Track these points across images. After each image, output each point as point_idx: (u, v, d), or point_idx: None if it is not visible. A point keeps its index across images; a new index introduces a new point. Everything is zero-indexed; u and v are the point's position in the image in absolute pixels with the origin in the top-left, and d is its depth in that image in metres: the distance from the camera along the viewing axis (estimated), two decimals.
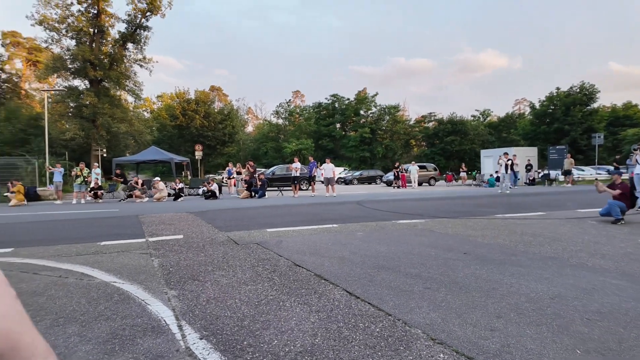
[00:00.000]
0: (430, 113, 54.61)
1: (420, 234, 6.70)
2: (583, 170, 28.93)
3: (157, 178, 17.94)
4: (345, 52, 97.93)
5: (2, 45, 45.98)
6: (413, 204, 12.38)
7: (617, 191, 7.61)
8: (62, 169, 17.67)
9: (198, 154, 26.37)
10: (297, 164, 17.32)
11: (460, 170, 26.22)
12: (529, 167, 23.39)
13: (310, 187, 19.87)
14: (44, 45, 33.66)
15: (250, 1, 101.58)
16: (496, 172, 22.79)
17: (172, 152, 29.08)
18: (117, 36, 32.94)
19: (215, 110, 49.17)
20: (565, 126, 41.02)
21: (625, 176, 19.84)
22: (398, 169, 23.82)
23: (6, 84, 46.25)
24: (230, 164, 20.10)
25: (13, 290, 0.41)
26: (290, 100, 58.75)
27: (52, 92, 32.49)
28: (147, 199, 16.73)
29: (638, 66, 78.28)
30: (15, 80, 47.21)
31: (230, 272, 4.35)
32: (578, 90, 42.77)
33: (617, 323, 2.84)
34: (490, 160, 27.60)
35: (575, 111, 41.30)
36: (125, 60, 33.36)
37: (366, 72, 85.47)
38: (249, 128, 64.83)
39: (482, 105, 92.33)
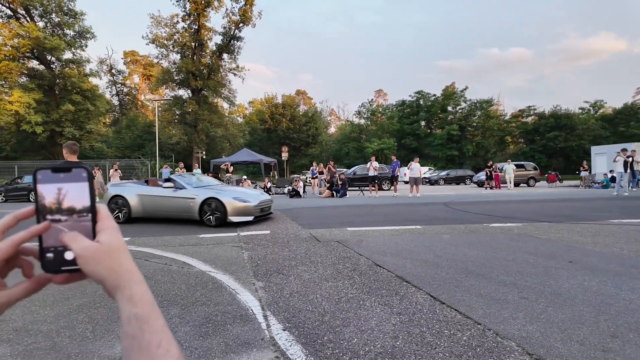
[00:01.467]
0: (529, 107, 49.43)
1: (516, 238, 6.10)
2: None
3: (245, 177, 19.30)
4: (431, 47, 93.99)
5: (124, 63, 53.83)
6: (508, 206, 11.33)
7: None
8: (169, 169, 19.97)
9: (284, 155, 27.64)
10: (375, 163, 17.14)
11: (581, 169, 23.07)
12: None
13: (392, 187, 19.48)
14: (155, 60, 38.55)
15: (334, 4, 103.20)
16: (611, 171, 19.79)
17: (261, 153, 30.99)
18: (214, 48, 36.20)
19: (300, 113, 51.11)
20: None
21: None
22: (491, 168, 22.06)
23: (127, 97, 54.05)
24: (314, 164, 20.69)
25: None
26: (372, 99, 58.35)
27: (162, 101, 37.04)
28: None
29: None
30: (134, 92, 54.90)
31: (312, 268, 4.46)
32: None
33: None
34: (604, 158, 24.08)
35: None
36: (221, 70, 36.52)
37: (454, 67, 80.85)
38: (332, 129, 65.99)
39: (593, 96, 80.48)
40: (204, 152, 34.52)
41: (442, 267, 4.41)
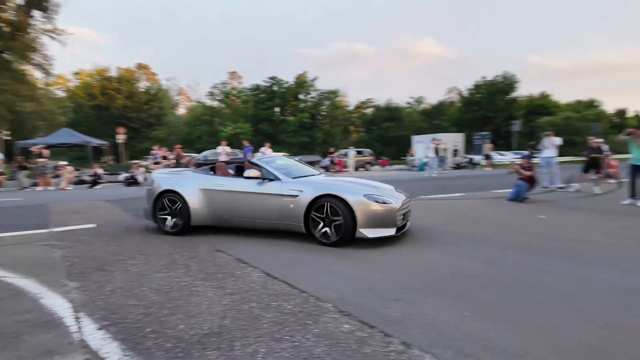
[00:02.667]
0: (369, 99, 56.00)
1: None
2: (504, 155, 31.70)
3: (64, 162, 16.08)
4: (287, 34, 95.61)
5: None
6: None
7: (529, 172, 8.32)
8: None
9: (120, 138, 24.39)
10: (227, 148, 16.87)
11: (408, 155, 27.60)
12: (455, 152, 25.07)
13: None
14: None
15: None
16: (426, 157, 24.22)
17: (91, 135, 26.61)
18: (20, 1, 28.89)
19: (141, 90, 45.77)
20: (489, 113, 44.53)
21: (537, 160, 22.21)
22: (333, 154, 24.25)
23: None
24: (156, 147, 18.82)
25: None
26: (226, 81, 56.54)
27: None
28: (52, 187, 14.86)
29: (554, 60, 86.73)
30: None
31: (142, 261, 4.10)
32: (501, 79, 46.53)
33: (509, 289, 3.16)
34: (422, 146, 29.15)
35: (498, 99, 44.97)
36: (31, 30, 29.48)
37: (309, 55, 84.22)
38: (181, 110, 61.41)
39: (418, 92, 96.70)
40: (7, 132, 27.69)
41: (282, 247, 4.64)
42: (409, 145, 29.78)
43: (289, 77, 52.71)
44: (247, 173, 5.14)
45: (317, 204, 4.65)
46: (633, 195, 7.69)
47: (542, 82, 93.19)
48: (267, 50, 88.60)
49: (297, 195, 4.80)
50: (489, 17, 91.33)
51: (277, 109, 51.82)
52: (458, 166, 24.81)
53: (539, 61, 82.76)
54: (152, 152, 18.80)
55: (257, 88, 52.37)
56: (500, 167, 24.88)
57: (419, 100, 58.73)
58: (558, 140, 10.87)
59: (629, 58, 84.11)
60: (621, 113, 50.79)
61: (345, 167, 24.44)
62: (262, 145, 17.45)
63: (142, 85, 48.24)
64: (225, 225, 5.36)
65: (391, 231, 4.60)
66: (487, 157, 23.90)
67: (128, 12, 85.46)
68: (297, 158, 34.34)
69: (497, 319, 2.59)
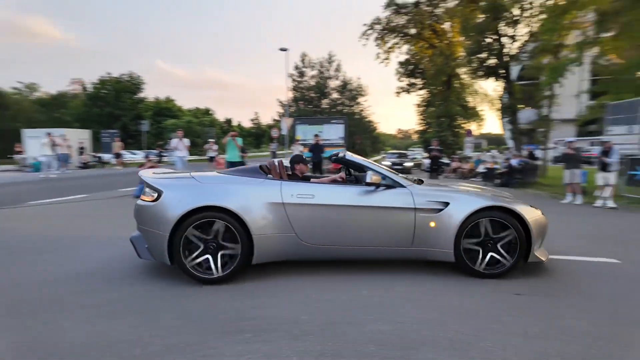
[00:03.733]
0: None
1: None
2: (136, 154, 31.68)
3: None
4: None
5: None
6: None
7: (147, 170, 8.85)
8: None
9: None
10: None
11: (15, 151, 21.15)
12: (81, 150, 22.57)
13: None
14: None
15: None
16: (42, 155, 20.27)
17: None
18: None
19: None
20: (117, 111, 42.99)
21: (167, 159, 23.85)
22: None
23: None
24: None
25: None
26: None
27: None
28: None
29: (180, 69, 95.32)
30: None
31: None
32: (128, 78, 45.98)
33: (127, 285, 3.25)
34: (36, 142, 24.16)
35: (125, 98, 44.24)
36: None
37: None
38: None
39: (29, 78, 78.03)
40: None
41: None
42: (18, 140, 23.74)
43: None
44: (368, 177, 3.41)
45: (473, 220, 3.36)
46: None
47: (168, 87, 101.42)
48: None
49: (441, 210, 3.41)
50: (120, 14, 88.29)
51: None
52: (86, 165, 22.54)
53: (166, 67, 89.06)
54: None
55: None
56: (132, 165, 24.91)
57: (31, 87, 48.15)
58: (187, 142, 12.31)
59: (237, 79, 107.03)
60: (229, 121, 63.98)
61: None
62: None
63: None
64: (307, 259, 3.52)
65: (546, 256, 3.58)
66: (118, 155, 23.24)
67: None
68: None
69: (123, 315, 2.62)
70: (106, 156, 24.74)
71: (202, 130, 40.63)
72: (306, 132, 21.26)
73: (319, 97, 36.46)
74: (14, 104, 42.06)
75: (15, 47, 73.82)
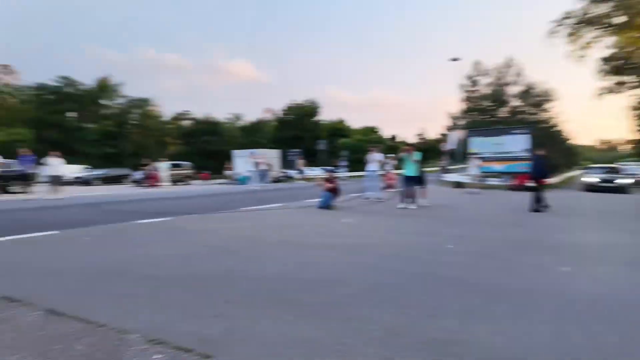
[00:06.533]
0: (186, 111, 53.50)
1: (164, 232, 6.23)
2: (314, 170, 35.53)
3: None
4: (78, 27, 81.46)
5: None
6: (162, 203, 11.56)
7: (330, 185, 9.49)
8: None
9: None
10: None
11: (225, 168, 27.04)
12: (269, 167, 26.71)
13: (25, 189, 15.42)
14: None
15: None
16: (248, 170, 24.65)
17: None
18: None
19: None
20: (300, 133, 49.32)
21: (339, 174, 25.75)
22: (147, 167, 21.95)
23: None
24: None
25: None
26: None
27: None
28: None
29: (346, 93, 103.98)
30: None
31: None
32: (309, 104, 52.38)
33: (319, 287, 3.39)
34: (242, 160, 29.58)
35: (306, 121, 50.42)
36: None
37: (108, 57, 74.09)
38: None
39: (235, 109, 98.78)
40: None
41: (70, 273, 3.75)
42: (228, 159, 29.77)
43: (84, 79, 45.07)
44: None
45: None
46: (403, 200, 9.75)
47: (339, 110, 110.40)
48: (52, 45, 73.70)
49: None
50: (293, 49, 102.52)
51: (71, 114, 43.38)
52: (277, 180, 26.33)
53: (335, 92, 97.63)
54: None
55: (42, 87, 42.65)
56: (311, 180, 27.69)
57: (237, 117, 59.86)
58: (379, 156, 12.06)
59: (401, 96, 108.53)
60: (394, 138, 64.81)
61: (158, 181, 22.43)
62: (47, 155, 14.08)
63: None
64: None
65: None
66: (300, 171, 26.21)
67: None
68: (100, 171, 29.54)
69: (315, 318, 2.72)
70: (291, 172, 28.29)
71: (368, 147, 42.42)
72: (482, 145, 19.44)
73: (496, 106, 33.02)
74: (226, 131, 53.02)
75: (226, 86, 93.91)
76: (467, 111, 33.09)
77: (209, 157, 49.09)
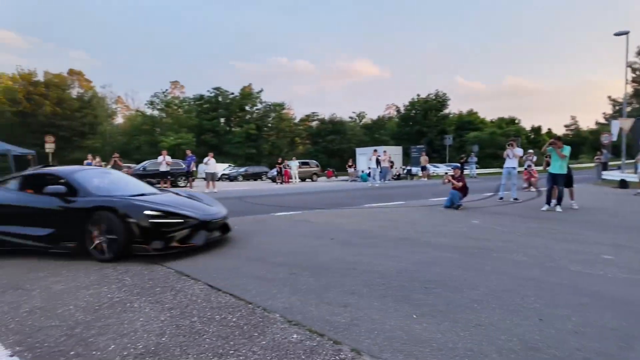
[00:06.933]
0: (313, 113, 56.86)
1: (295, 224, 6.83)
2: (438, 167, 33.73)
3: None
4: (226, 47, 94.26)
5: None
6: (293, 197, 12.63)
7: (458, 183, 8.94)
8: None
9: (49, 147, 22.27)
10: (167, 158, 16.61)
11: (347, 166, 27.98)
12: (391, 164, 26.30)
13: (188, 183, 18.71)
14: None
15: None
16: (369, 168, 24.96)
17: (13, 143, 24.01)
18: None
19: (73, 97, 42.37)
20: (424, 128, 47.38)
21: (467, 171, 23.92)
22: (281, 165, 24.15)
23: None
24: (89, 156, 17.48)
25: None
26: (167, 90, 54.21)
27: None
28: None
29: (477, 82, 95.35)
30: None
31: (69, 277, 3.70)
32: (434, 97, 49.86)
33: (446, 289, 3.28)
34: (364, 158, 30.00)
35: (432, 115, 48.07)
36: None
37: (249, 70, 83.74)
38: (119, 119, 57.64)
39: (358, 108, 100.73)
40: None
41: (227, 256, 4.46)
42: (352, 157, 30.61)
43: (231, 89, 51.91)
44: None
45: None
46: (548, 201, 8.53)
47: (467, 101, 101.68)
48: (205, 62, 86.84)
49: None
50: (417, 41, 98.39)
51: (222, 120, 50.65)
52: (398, 177, 25.93)
53: (464, 82, 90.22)
54: (85, 161, 17.43)
55: (200, 98, 50.89)
56: (435, 177, 26.38)
57: (360, 115, 60.77)
58: (519, 151, 10.66)
59: (542, 84, 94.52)
60: (536, 130, 56.66)
61: (290, 177, 24.48)
62: (206, 156, 16.97)
63: (75, 92, 44.66)
64: None
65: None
66: (424, 168, 25.23)
67: (54, 15, 79.12)
68: (242, 169, 33.66)
69: (441, 319, 2.67)
70: (414, 169, 27.50)
71: (507, 141, 38.12)
72: None
73: None
74: (349, 130, 54.46)
75: (350, 85, 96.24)
76: (636, 94, 26.97)
77: (333, 156, 51.32)
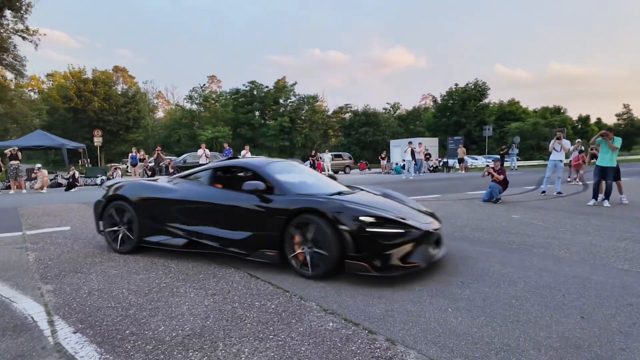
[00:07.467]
0: (347, 104, 56.47)
1: None
2: (476, 159, 32.59)
3: (39, 165, 15.79)
4: (261, 40, 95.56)
5: None
6: None
7: (498, 176, 8.65)
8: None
9: (97, 140, 23.74)
10: (206, 150, 17.32)
11: (380, 158, 27.68)
12: (427, 156, 25.70)
13: None
14: None
15: None
16: (403, 160, 24.59)
17: (66, 137, 25.81)
18: None
19: (118, 92, 44.67)
20: (462, 119, 45.76)
21: (507, 164, 22.97)
22: (315, 157, 24.32)
23: None
24: (134, 149, 18.47)
25: None
26: (205, 85, 55.86)
27: None
28: (25, 190, 14.52)
29: (519, 70, 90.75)
30: None
31: (121, 263, 4.00)
32: (472, 86, 47.93)
33: (484, 284, 3.25)
34: (398, 150, 29.60)
35: (470, 105, 46.29)
36: (1, 30, 28.39)
37: (283, 62, 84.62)
38: (160, 114, 60.20)
39: (392, 99, 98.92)
40: None
41: None
42: (386, 149, 30.21)
43: (266, 82, 52.62)
44: None
45: None
46: (595, 196, 8.07)
47: (509, 90, 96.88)
48: (241, 56, 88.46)
49: None
50: (454, 29, 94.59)
51: (257, 113, 51.55)
52: (434, 169, 25.35)
53: (505, 71, 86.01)
54: (130, 154, 18.47)
55: (236, 92, 51.98)
56: (473, 170, 25.57)
57: (394, 106, 59.70)
58: (567, 143, 10.03)
59: (589, 70, 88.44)
60: (584, 120, 53.24)
61: (323, 170, 24.59)
62: (242, 149, 17.46)
63: (119, 88, 47.11)
64: None
65: None
66: (461, 160, 24.51)
67: (102, 16, 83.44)
68: None
69: (477, 313, 2.66)
70: (451, 161, 26.78)
71: (551, 132, 36.17)
72: None
73: None
74: (383, 121, 53.66)
75: (384, 75, 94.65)
76: None
77: (366, 147, 50.91)
